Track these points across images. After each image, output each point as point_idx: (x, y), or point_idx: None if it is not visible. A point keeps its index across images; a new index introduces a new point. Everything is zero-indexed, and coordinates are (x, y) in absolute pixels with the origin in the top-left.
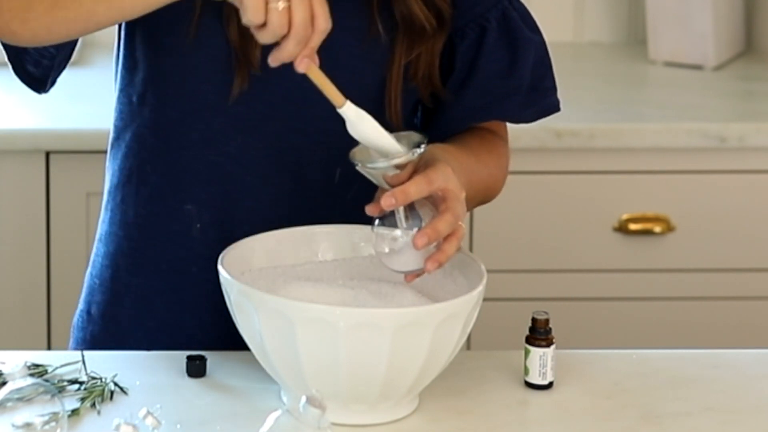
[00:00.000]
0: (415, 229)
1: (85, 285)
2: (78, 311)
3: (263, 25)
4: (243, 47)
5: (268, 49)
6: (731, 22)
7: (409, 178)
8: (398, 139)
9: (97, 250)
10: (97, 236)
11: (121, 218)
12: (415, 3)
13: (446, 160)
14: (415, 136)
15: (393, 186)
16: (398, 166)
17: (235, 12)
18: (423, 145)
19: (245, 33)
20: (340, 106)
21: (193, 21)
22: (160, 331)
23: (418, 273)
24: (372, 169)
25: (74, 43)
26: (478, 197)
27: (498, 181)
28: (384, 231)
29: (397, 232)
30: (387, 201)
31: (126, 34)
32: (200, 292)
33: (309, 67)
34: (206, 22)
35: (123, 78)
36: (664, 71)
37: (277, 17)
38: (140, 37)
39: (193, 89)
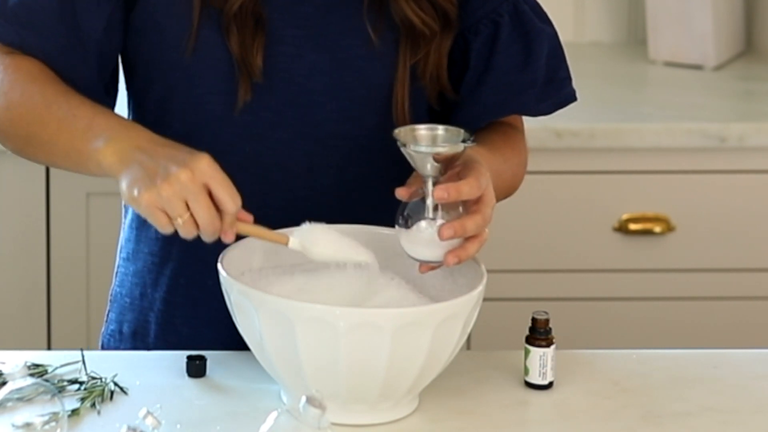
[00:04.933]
0: (440, 221)
1: (115, 304)
2: (108, 331)
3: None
4: (244, 57)
5: (270, 57)
6: (731, 22)
7: (446, 171)
8: (446, 132)
9: (125, 269)
10: (123, 255)
11: (146, 234)
12: (409, 8)
13: (482, 162)
14: (463, 132)
15: (439, 162)
16: (441, 157)
17: (235, 23)
18: (470, 141)
19: (246, 43)
20: (286, 243)
21: (191, 34)
22: (182, 347)
23: (434, 265)
24: (414, 152)
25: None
26: (500, 196)
27: (519, 178)
28: (409, 218)
29: (423, 223)
30: (440, 193)
31: (133, 59)
32: (216, 305)
33: (235, 235)
34: (205, 35)
35: (136, 102)
36: (664, 71)
37: (183, 230)
38: (145, 58)
39: (199, 102)
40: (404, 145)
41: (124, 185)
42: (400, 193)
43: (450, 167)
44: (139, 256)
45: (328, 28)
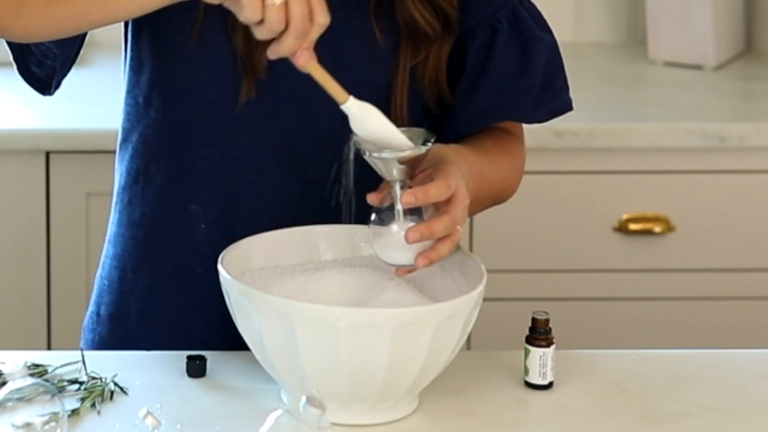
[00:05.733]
0: (411, 224)
1: (95, 286)
2: (88, 313)
3: (261, 21)
4: (249, 54)
5: None
6: (731, 22)
7: (414, 174)
8: (407, 134)
9: (106, 251)
10: (107, 238)
11: (129, 219)
12: (416, 8)
13: (457, 162)
14: (424, 133)
15: (403, 165)
16: (404, 160)
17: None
18: (430, 142)
19: (251, 40)
20: (344, 102)
21: (196, 23)
22: (166, 333)
23: (409, 268)
24: (378, 158)
25: (79, 44)
26: (490, 200)
27: (513, 183)
28: (381, 223)
29: (394, 226)
30: (407, 198)
31: (133, 36)
32: (205, 293)
33: (308, 61)
34: (210, 24)
35: (130, 79)
36: (664, 71)
37: (275, 14)
38: (146, 39)
39: (198, 90)
40: (366, 153)
41: None
42: (371, 198)
43: (417, 168)
44: (120, 240)
45: (329, 27)
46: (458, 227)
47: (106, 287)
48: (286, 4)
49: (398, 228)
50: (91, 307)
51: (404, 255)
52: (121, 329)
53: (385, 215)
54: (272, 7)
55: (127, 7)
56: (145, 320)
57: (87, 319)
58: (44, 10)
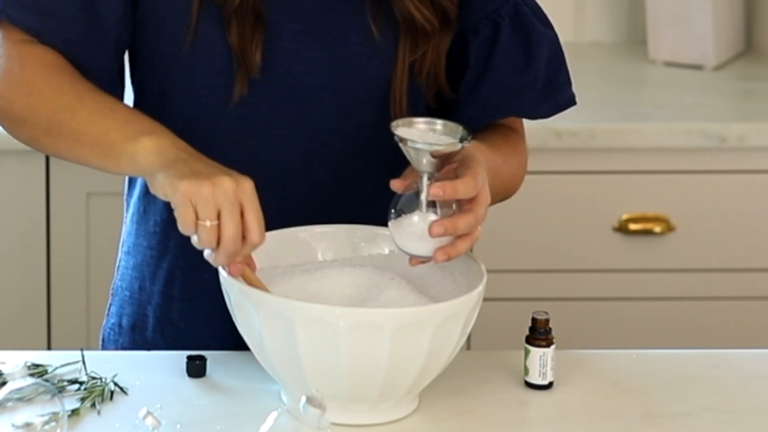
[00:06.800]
0: (433, 217)
1: (115, 298)
2: (108, 324)
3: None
4: (243, 51)
5: (268, 53)
6: (731, 22)
7: (442, 166)
8: (446, 128)
9: (126, 262)
10: (124, 249)
11: (145, 228)
12: (412, 4)
13: (480, 159)
14: (462, 129)
15: (435, 158)
16: (439, 154)
17: (236, 16)
18: (467, 141)
19: (245, 37)
20: None
21: (190, 28)
22: (178, 340)
23: (424, 260)
24: (412, 148)
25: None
26: (499, 196)
27: (519, 179)
28: (401, 212)
29: (415, 217)
30: (435, 191)
31: (133, 50)
32: (212, 299)
33: (241, 272)
34: (204, 28)
35: (136, 94)
36: (664, 71)
37: (205, 234)
38: (144, 51)
39: (196, 96)
40: (401, 141)
41: (162, 175)
42: (395, 184)
43: (447, 163)
44: (139, 249)
45: (327, 24)
46: (478, 227)
47: (128, 298)
48: (217, 226)
49: (419, 219)
50: (112, 319)
51: (422, 246)
52: (141, 339)
53: (406, 204)
54: (203, 226)
55: (88, 162)
56: (160, 329)
57: (108, 330)
58: (35, 143)
